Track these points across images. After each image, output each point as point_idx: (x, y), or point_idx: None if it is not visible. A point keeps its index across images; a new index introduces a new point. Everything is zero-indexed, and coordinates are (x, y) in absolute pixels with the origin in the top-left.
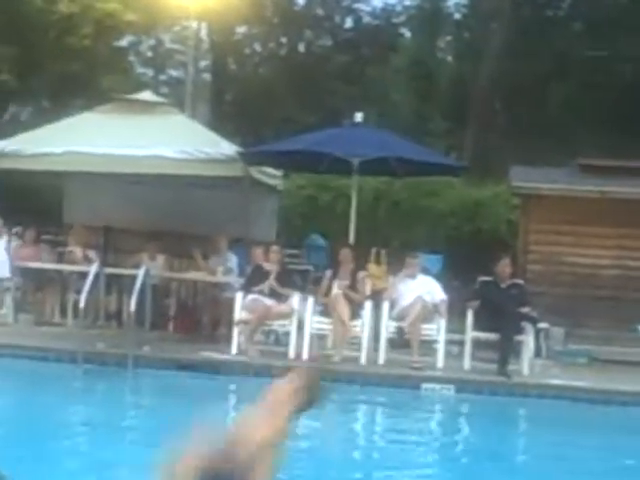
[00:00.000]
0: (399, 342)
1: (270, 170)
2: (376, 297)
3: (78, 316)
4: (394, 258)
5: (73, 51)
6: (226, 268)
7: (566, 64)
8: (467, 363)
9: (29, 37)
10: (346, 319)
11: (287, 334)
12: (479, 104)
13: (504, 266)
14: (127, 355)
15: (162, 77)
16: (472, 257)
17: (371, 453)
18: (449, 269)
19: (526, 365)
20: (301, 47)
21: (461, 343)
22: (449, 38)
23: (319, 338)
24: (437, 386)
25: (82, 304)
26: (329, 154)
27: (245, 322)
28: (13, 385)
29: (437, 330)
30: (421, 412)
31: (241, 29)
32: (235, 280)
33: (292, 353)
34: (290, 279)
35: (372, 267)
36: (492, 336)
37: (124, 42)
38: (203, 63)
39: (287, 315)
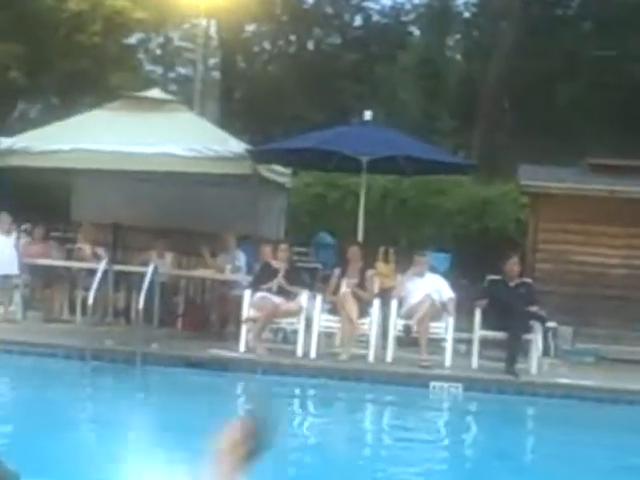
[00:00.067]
0: (407, 340)
1: (279, 168)
2: (384, 295)
3: (86, 313)
4: (402, 256)
5: (82, 48)
6: (234, 266)
7: (575, 63)
8: (475, 362)
9: (38, 35)
10: (354, 317)
11: (295, 332)
12: (487, 103)
13: (512, 265)
14: (135, 352)
15: (171, 75)
16: (480, 256)
17: (378, 451)
18: (457, 267)
19: (534, 364)
20: (310, 45)
21: (469, 341)
22: (458, 37)
23: (327, 336)
24: (445, 384)
25: (90, 301)
26: (338, 152)
27: (253, 320)
28: (22, 382)
29: (445, 328)
30: (429, 410)
31: (250, 27)
32: (243, 278)
33: (300, 351)
34: (298, 277)
35: (380, 265)
36: (500, 335)
37: (133, 40)
38: (212, 61)
39: (295, 313)
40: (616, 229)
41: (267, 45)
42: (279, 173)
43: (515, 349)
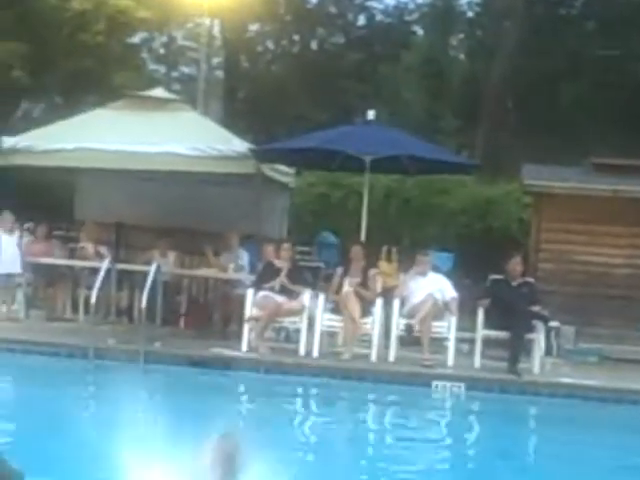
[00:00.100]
0: (409, 340)
1: (282, 167)
2: (387, 294)
3: (89, 312)
4: (405, 256)
5: (86, 48)
6: (237, 265)
7: (579, 63)
8: (477, 361)
9: (42, 34)
10: (357, 316)
11: (298, 331)
12: (491, 102)
13: (515, 264)
14: (138, 351)
15: (174, 74)
16: (483, 255)
17: (381, 450)
18: (460, 267)
19: (537, 363)
20: (314, 45)
21: (472, 341)
22: (461, 36)
23: (329, 335)
24: (447, 384)
25: (93, 300)
26: (341, 152)
27: (256, 319)
28: (24, 381)
29: (448, 328)
30: (431, 410)
31: (254, 26)
32: (246, 277)
33: (302, 350)
34: (301, 276)
35: (383, 265)
36: (503, 334)
37: (137, 39)
38: (215, 60)
39: (298, 312)
40: (619, 229)
41: (271, 45)
42: (282, 172)
43: (518, 348)
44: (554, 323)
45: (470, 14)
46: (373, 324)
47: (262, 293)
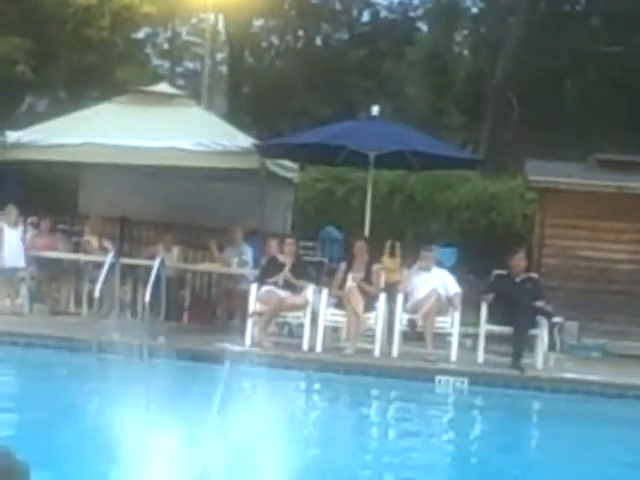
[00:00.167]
0: (412, 335)
1: (286, 163)
2: (390, 290)
3: (93, 306)
4: (409, 251)
5: (90, 43)
6: (241, 260)
7: (583, 59)
8: (481, 356)
9: (46, 29)
10: (360, 311)
11: (301, 326)
12: (495, 99)
13: (519, 260)
14: (141, 345)
15: (178, 69)
16: (487, 250)
17: (383, 445)
18: (464, 262)
19: (540, 359)
20: (318, 40)
21: (475, 336)
22: (466, 32)
23: (333, 330)
24: (451, 379)
25: (97, 294)
26: (345, 147)
27: (259, 314)
28: (28, 374)
29: (451, 323)
30: (434, 405)
31: (258, 22)
32: (250, 272)
33: (306, 345)
34: (304, 271)
35: (386, 260)
36: (506, 329)
37: (141, 34)
38: (220, 55)
39: (301, 307)
40: (623, 225)
41: (275, 40)
42: (287, 168)
43: (521, 344)
44: (557, 318)
45: (474, 10)
46: (376, 319)
47: (265, 288)
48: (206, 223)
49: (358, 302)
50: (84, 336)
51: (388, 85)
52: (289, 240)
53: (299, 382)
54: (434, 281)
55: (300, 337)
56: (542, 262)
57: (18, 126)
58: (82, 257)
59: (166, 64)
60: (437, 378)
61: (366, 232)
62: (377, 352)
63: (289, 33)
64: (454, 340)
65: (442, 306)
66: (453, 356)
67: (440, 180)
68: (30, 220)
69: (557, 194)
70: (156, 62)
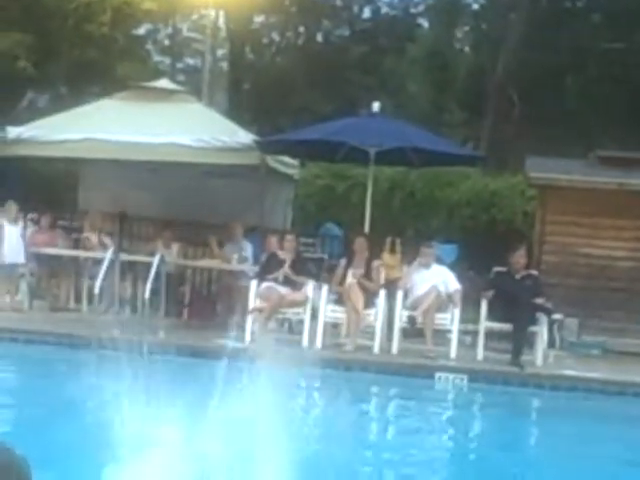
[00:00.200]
0: (412, 331)
1: (287, 159)
2: (390, 286)
3: (93, 302)
4: (409, 247)
5: (91, 39)
6: (241, 256)
7: (584, 56)
8: (480, 353)
9: (47, 24)
10: (360, 308)
11: (301, 322)
12: (496, 95)
13: (519, 257)
14: (141, 342)
15: (179, 65)
16: (487, 247)
17: (382, 442)
18: (464, 259)
19: (540, 356)
20: (319, 37)
21: (475, 333)
22: (467, 29)
23: (333, 326)
24: (450, 376)
25: (97, 290)
26: (346, 144)
27: (259, 310)
28: (28, 371)
29: (451, 320)
30: (434, 401)
31: (259, 18)
32: (250, 268)
33: (305, 341)
34: (305, 267)
35: (386, 256)
36: (506, 326)
37: (142, 30)
38: (220, 52)
39: (301, 303)
40: (624, 222)
41: (276, 36)
42: (287, 164)
43: (521, 341)
44: (557, 315)
45: (475, 7)
46: (376, 316)
47: (265, 284)
48: (206, 219)
49: (358, 298)
50: (84, 332)
51: (389, 81)
52: (289, 236)
53: (299, 378)
54: (434, 278)
55: (300, 333)
56: (542, 259)
57: (19, 122)
58: (82, 253)
59: (167, 60)
60: (437, 375)
61: (366, 229)
62: (377, 349)
63: (290, 29)
64: (454, 337)
65: (442, 303)
66: (453, 353)
67: (441, 177)
68: (30, 216)
69: (558, 191)
70: (157, 58)
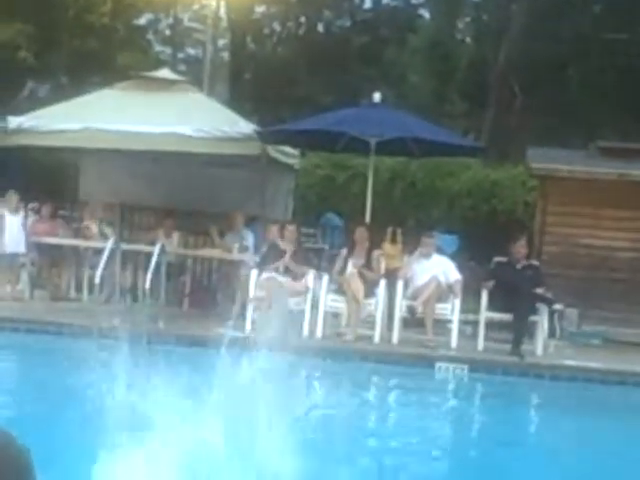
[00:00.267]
0: (413, 321)
1: (287, 149)
2: (391, 276)
3: (93, 292)
4: (410, 238)
5: (91, 29)
6: (242, 246)
7: (585, 46)
8: (481, 343)
9: (48, 14)
10: (360, 297)
11: (301, 312)
12: (497, 86)
13: (520, 247)
14: (141, 331)
15: (180, 55)
16: (488, 237)
17: (381, 431)
18: (465, 249)
19: (540, 346)
20: (320, 27)
21: (475, 323)
22: (468, 19)
23: (333, 316)
24: (451, 365)
25: (97, 280)
26: (346, 134)
27: (259, 300)
28: (29, 360)
29: (451, 310)
30: (434, 391)
31: (260, 8)
32: (250, 258)
33: (306, 331)
34: (305, 257)
35: (386, 246)
36: (506, 316)
37: (143, 20)
38: (222, 42)
39: (301, 293)
40: (624, 212)
41: (277, 27)
42: (288, 154)
43: (521, 331)
44: (558, 306)
45: None
46: (377, 305)
47: (266, 274)
48: (207, 209)
49: (358, 288)
50: (85, 322)
51: (390, 72)
52: (290, 226)
53: (299, 368)
54: (434, 268)
55: (300, 323)
56: (543, 249)
57: (19, 112)
58: (82, 243)
59: (168, 50)
60: (437, 365)
61: (367, 219)
62: (377, 338)
63: (291, 20)
64: (454, 327)
65: (442, 293)
66: (453, 343)
67: (442, 167)
68: (31, 206)
69: (559, 181)
70: (158, 48)
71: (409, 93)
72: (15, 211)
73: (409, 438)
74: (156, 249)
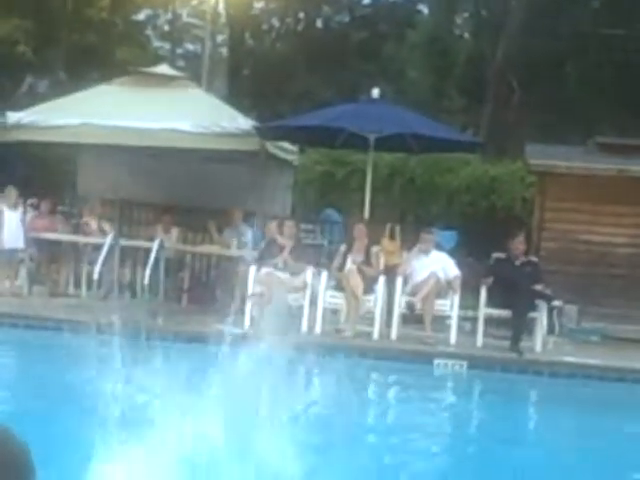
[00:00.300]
0: (412, 317)
1: (286, 145)
2: (390, 272)
3: (92, 288)
4: (409, 234)
5: (90, 24)
6: (240, 241)
7: (584, 42)
8: (480, 339)
9: (46, 9)
10: (359, 294)
11: (300, 308)
12: (496, 81)
13: (518, 243)
14: (140, 327)
15: (179, 51)
16: (487, 234)
17: (379, 429)
18: (463, 245)
19: (539, 342)
20: (319, 23)
21: (474, 319)
22: (467, 15)
23: (332, 312)
24: (449, 362)
25: (96, 276)
26: (345, 129)
27: (258, 295)
28: (28, 356)
29: (450, 306)
30: (433, 388)
31: (259, 4)
32: (249, 254)
33: (305, 327)
34: (304, 253)
35: (386, 242)
36: (505, 313)
37: (141, 16)
38: (220, 37)
39: (300, 289)
40: (623, 208)
41: (275, 22)
42: (286, 150)
43: (520, 327)
44: (557, 302)
45: None
46: (375, 302)
47: (265, 270)
48: (205, 205)
49: (357, 284)
50: (83, 318)
51: (389, 68)
52: (289, 222)
53: (298, 364)
54: (433, 264)
55: (299, 319)
56: (542, 246)
57: (18, 107)
58: (81, 239)
59: (166, 46)
60: (436, 361)
61: (366, 215)
62: (376, 335)
63: (290, 15)
64: (453, 323)
65: (441, 289)
66: (452, 339)
67: (440, 163)
68: (30, 201)
69: (557, 177)
70: (156, 44)
71: (408, 89)
72: (14, 206)
73: (407, 434)
74: (155, 245)
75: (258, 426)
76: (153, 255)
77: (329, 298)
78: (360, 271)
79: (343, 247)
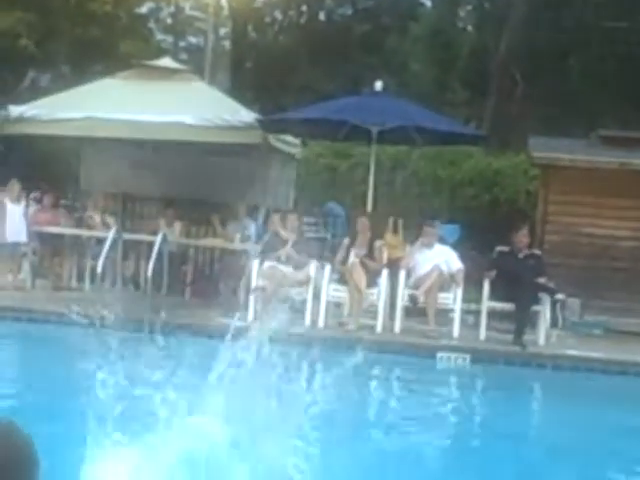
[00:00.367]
0: (415, 311)
1: (289, 138)
2: (393, 266)
3: (95, 281)
4: (411, 227)
5: (93, 17)
6: (244, 235)
7: (587, 35)
8: (483, 333)
9: (49, 2)
10: (362, 287)
11: (303, 302)
12: (499, 74)
13: (521, 236)
14: (143, 320)
15: (182, 44)
16: (490, 227)
17: (382, 421)
18: (467, 238)
19: (542, 335)
20: (321, 15)
21: (477, 313)
22: (470, 8)
23: (335, 306)
24: (452, 355)
25: (99, 269)
26: (348, 122)
27: (262, 289)
28: (31, 349)
29: (453, 299)
30: (436, 381)
31: None
32: (252, 247)
33: (308, 321)
34: (307, 247)
35: (389, 236)
36: (508, 306)
37: (144, 9)
38: (223, 30)
39: (303, 283)
40: (626, 201)
41: (278, 15)
42: (289, 143)
43: (523, 320)
44: (560, 295)
45: None
46: (379, 295)
47: (268, 263)
48: (209, 198)
49: (360, 278)
50: (86, 311)
51: (391, 60)
52: (292, 216)
53: (301, 358)
54: (436, 257)
55: (302, 313)
56: (545, 239)
57: (21, 100)
58: (84, 232)
59: (169, 39)
60: (439, 354)
61: (369, 208)
62: (379, 328)
63: (292, 8)
64: (456, 316)
65: (444, 282)
66: (455, 332)
67: (443, 156)
68: (33, 195)
69: (560, 170)
70: (159, 37)
71: (411, 81)
72: (17, 200)
73: (410, 428)
74: (158, 239)
75: (262, 420)
76: (156, 249)
77: (332, 291)
78: (363, 264)
79: (346, 240)
